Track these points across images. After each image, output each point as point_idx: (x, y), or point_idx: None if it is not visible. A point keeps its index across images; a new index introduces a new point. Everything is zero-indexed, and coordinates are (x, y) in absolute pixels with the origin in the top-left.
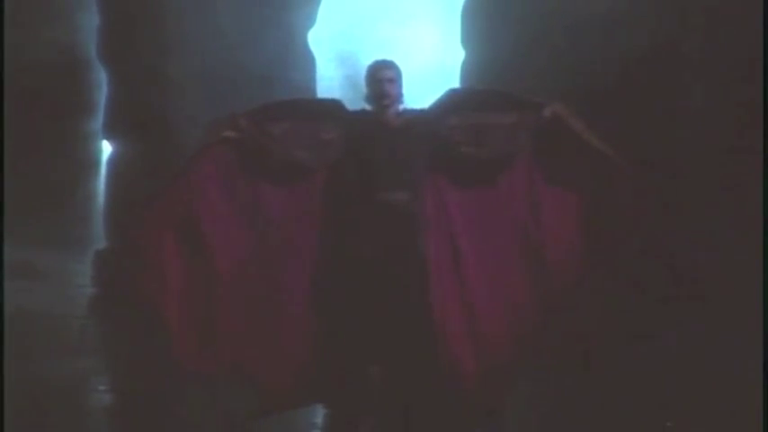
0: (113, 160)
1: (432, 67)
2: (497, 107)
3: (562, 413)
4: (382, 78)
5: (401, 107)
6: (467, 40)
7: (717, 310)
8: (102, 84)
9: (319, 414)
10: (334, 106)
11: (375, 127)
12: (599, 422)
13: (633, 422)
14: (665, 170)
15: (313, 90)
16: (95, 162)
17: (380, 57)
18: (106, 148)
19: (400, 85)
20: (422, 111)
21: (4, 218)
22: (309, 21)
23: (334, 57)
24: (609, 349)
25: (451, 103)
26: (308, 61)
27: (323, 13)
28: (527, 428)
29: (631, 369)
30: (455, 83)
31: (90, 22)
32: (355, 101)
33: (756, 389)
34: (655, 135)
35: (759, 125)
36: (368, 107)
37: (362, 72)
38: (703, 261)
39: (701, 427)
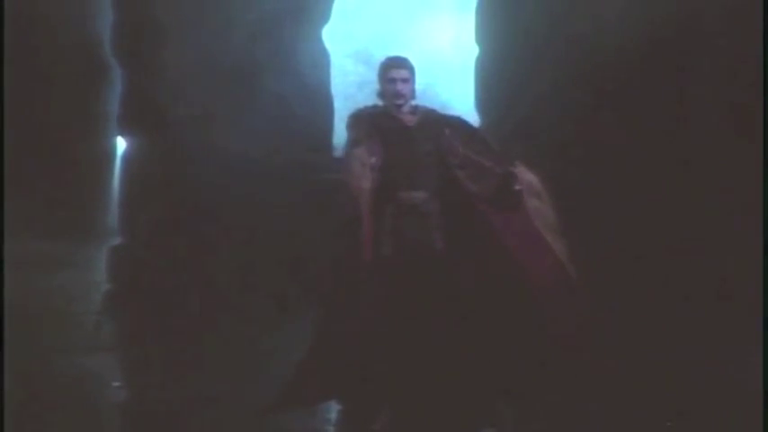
0: (128, 156)
1: (445, 63)
2: (487, 152)
3: (562, 413)
4: (396, 78)
5: (413, 103)
6: (480, 37)
7: (717, 310)
8: (117, 79)
9: (333, 410)
10: (366, 118)
11: (395, 127)
12: (599, 422)
13: (633, 422)
14: (667, 165)
15: (327, 86)
16: (111, 157)
17: (395, 53)
18: (121, 144)
19: (413, 82)
20: (433, 110)
21: (19, 212)
22: (324, 17)
23: (348, 53)
24: (609, 349)
25: (455, 122)
26: (322, 57)
27: (337, 8)
28: (528, 428)
29: (632, 369)
30: (469, 79)
31: (106, 18)
32: (369, 96)
33: (756, 389)
34: (661, 125)
35: (760, 126)
36: (380, 103)
37: (377, 68)
38: (703, 259)
39: (701, 427)
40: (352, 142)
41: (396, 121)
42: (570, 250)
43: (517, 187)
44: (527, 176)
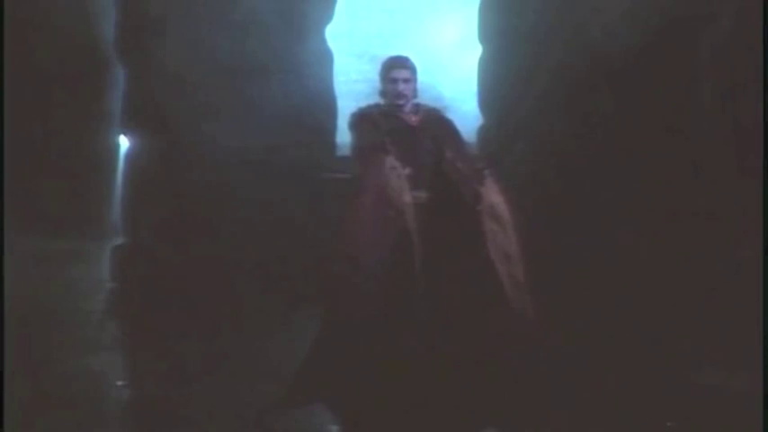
0: (130, 155)
1: (448, 62)
2: (470, 163)
3: (562, 413)
4: (397, 78)
5: (415, 101)
6: (484, 36)
7: (717, 310)
8: (120, 78)
9: None
10: (373, 118)
11: (400, 127)
12: (599, 421)
13: (633, 422)
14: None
15: (330, 85)
16: (113, 156)
17: (398, 52)
18: (124, 143)
19: (415, 82)
20: (434, 109)
21: (21, 210)
22: (327, 15)
23: (352, 52)
24: (609, 349)
25: (448, 125)
26: (325, 56)
27: (341, 7)
28: (529, 428)
29: (632, 369)
30: (472, 78)
31: (108, 17)
32: (372, 96)
33: (756, 389)
34: (663, 125)
35: (760, 126)
36: (381, 101)
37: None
38: (704, 259)
39: (700, 428)
40: (374, 146)
41: (400, 120)
42: (529, 278)
43: (478, 207)
44: (492, 197)
